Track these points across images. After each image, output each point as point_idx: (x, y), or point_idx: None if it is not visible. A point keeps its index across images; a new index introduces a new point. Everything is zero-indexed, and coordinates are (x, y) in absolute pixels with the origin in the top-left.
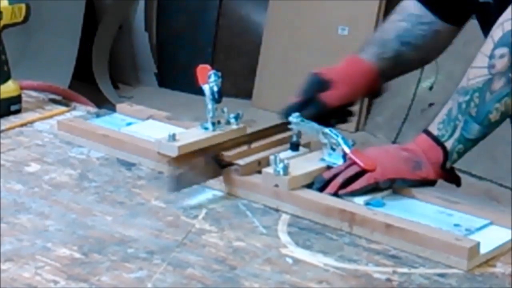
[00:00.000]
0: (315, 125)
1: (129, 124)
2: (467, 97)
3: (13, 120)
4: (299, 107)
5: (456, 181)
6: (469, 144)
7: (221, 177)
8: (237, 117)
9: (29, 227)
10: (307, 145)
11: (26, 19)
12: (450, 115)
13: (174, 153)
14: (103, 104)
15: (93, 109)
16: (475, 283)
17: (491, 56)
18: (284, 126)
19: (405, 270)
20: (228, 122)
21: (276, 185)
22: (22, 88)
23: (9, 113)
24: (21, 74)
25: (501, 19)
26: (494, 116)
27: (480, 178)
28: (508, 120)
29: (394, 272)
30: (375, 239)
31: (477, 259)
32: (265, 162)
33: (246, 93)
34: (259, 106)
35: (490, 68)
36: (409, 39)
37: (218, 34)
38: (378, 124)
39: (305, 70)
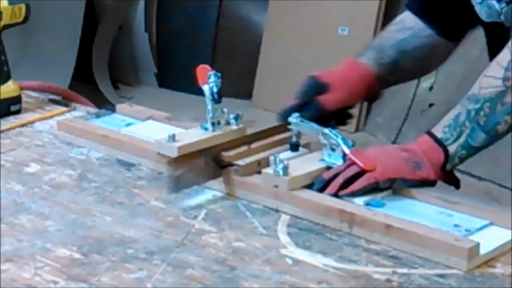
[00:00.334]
0: (314, 126)
1: (128, 124)
2: (478, 105)
3: (13, 120)
4: (297, 110)
5: (456, 183)
6: (472, 151)
7: (221, 178)
8: (237, 118)
9: (29, 228)
10: (307, 146)
11: (26, 19)
12: (458, 120)
13: (174, 154)
14: (103, 104)
15: (93, 109)
16: (475, 283)
17: (507, 68)
18: (283, 127)
19: (404, 270)
20: (228, 123)
21: (276, 186)
22: (22, 88)
23: (9, 113)
24: (21, 74)
25: None
26: (502, 128)
27: (480, 178)
28: None
29: (394, 273)
30: (375, 239)
31: (477, 260)
32: (265, 163)
33: (246, 93)
34: (259, 106)
35: (504, 80)
36: (406, 49)
37: (218, 34)
38: (378, 124)
39: (305, 70)
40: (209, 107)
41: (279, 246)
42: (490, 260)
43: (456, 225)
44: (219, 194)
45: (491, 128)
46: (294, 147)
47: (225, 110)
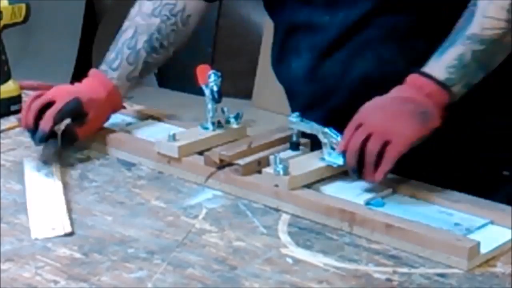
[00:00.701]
0: (314, 125)
1: (129, 124)
2: (483, 47)
3: (13, 120)
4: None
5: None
6: (469, 88)
7: (221, 177)
8: (237, 117)
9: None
10: (307, 145)
11: (26, 19)
12: (462, 60)
13: (174, 153)
14: None
15: None
16: (475, 283)
17: (509, 10)
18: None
19: (405, 270)
20: (228, 122)
21: (276, 185)
22: (22, 88)
23: (9, 113)
24: (21, 74)
25: None
26: (493, 65)
27: None
28: None
29: (394, 272)
30: (375, 239)
31: (477, 259)
32: (265, 162)
33: (246, 93)
34: (259, 106)
35: (508, 22)
36: (159, 42)
37: (218, 34)
38: None
39: None
40: (209, 106)
41: (280, 246)
42: (491, 259)
43: (456, 224)
44: (219, 193)
45: (488, 67)
46: (295, 146)
47: (225, 109)
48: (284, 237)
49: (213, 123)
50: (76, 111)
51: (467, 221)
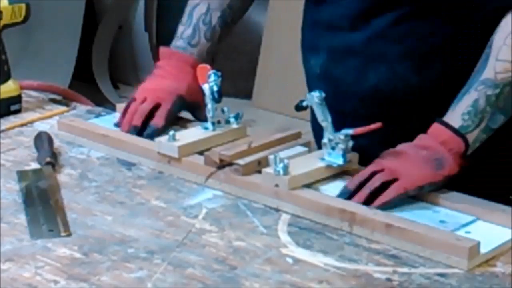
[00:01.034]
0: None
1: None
2: (497, 91)
3: (13, 120)
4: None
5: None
6: (491, 132)
7: (221, 177)
8: (237, 117)
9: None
10: (307, 145)
11: (26, 19)
12: (477, 106)
13: (174, 153)
14: (103, 104)
15: (93, 109)
16: (475, 282)
17: None
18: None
19: (405, 270)
20: (228, 122)
21: (276, 185)
22: (22, 88)
23: (9, 113)
24: (21, 74)
25: None
26: None
27: None
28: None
29: (394, 272)
30: (375, 239)
31: (477, 259)
32: (265, 162)
33: (246, 93)
34: (259, 106)
35: None
36: (231, 17)
37: None
38: None
39: None
40: (209, 106)
41: (280, 245)
42: (491, 259)
43: (442, 221)
44: (219, 193)
45: (508, 109)
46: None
47: (225, 109)
48: (284, 237)
49: (213, 123)
50: (182, 108)
51: (453, 218)
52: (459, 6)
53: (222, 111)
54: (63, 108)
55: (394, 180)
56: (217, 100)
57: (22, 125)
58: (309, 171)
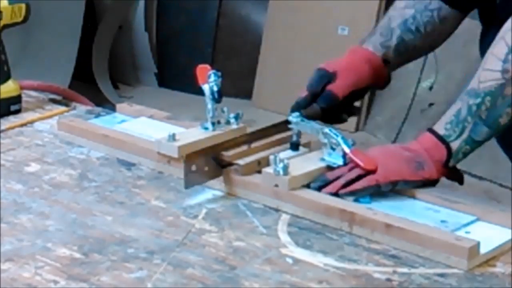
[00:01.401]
0: (315, 125)
1: (122, 121)
2: (478, 100)
3: (13, 120)
4: (308, 101)
5: (459, 179)
6: (475, 145)
7: (221, 177)
8: (237, 117)
9: (29, 227)
10: (307, 145)
11: (26, 19)
12: (459, 116)
13: (174, 153)
14: (103, 104)
15: (93, 109)
16: (475, 283)
17: (505, 60)
18: (284, 126)
19: (405, 270)
20: (228, 122)
21: (276, 185)
22: (22, 88)
23: (9, 113)
24: (21, 74)
25: None
26: (503, 120)
27: (480, 178)
28: None
29: (394, 272)
30: (375, 239)
31: (477, 259)
32: (265, 162)
33: (246, 93)
34: (259, 106)
35: (503, 73)
36: (415, 26)
37: (218, 34)
38: (378, 124)
39: (305, 70)
40: (209, 106)
41: (280, 246)
42: (491, 259)
43: (443, 221)
44: (219, 193)
45: (493, 122)
46: (295, 146)
47: (225, 109)
48: (284, 237)
49: (213, 123)
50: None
51: (453, 218)
52: None
53: (222, 111)
54: (63, 108)
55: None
56: (217, 100)
57: (22, 125)
58: (309, 171)
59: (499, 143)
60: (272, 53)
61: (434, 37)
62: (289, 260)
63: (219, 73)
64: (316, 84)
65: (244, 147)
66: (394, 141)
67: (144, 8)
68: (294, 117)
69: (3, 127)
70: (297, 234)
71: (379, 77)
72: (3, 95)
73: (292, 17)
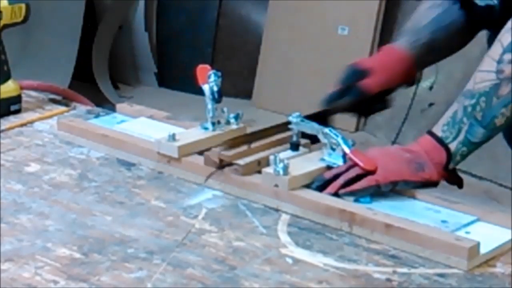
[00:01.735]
0: (315, 125)
1: (121, 121)
2: (473, 101)
3: (13, 120)
4: (340, 95)
5: (458, 183)
6: (472, 147)
7: (221, 177)
8: (237, 117)
9: (29, 227)
10: (307, 145)
11: (26, 19)
12: (455, 117)
13: (174, 153)
14: (103, 104)
15: (93, 109)
16: (475, 283)
17: (499, 61)
18: (284, 127)
19: (405, 270)
20: (228, 122)
21: (276, 185)
22: (22, 88)
23: (9, 113)
24: (21, 74)
25: (509, 23)
26: (499, 121)
27: (480, 178)
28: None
29: (394, 272)
30: (375, 239)
31: (477, 259)
32: (265, 162)
33: (246, 93)
34: (259, 106)
35: (498, 73)
36: (440, 25)
37: (218, 34)
38: (378, 124)
39: (305, 70)
40: (209, 106)
41: (279, 246)
42: (490, 259)
43: (443, 221)
44: (219, 193)
45: (489, 122)
46: (294, 146)
47: (225, 109)
48: (284, 237)
49: (213, 123)
50: None
51: (454, 218)
52: None
53: (222, 111)
54: (63, 108)
55: (371, 174)
56: (217, 100)
57: (22, 125)
58: (309, 171)
59: (505, 137)
60: (272, 53)
61: (458, 39)
62: (289, 260)
63: (219, 73)
64: (348, 79)
65: (244, 147)
66: (394, 141)
67: (144, 8)
68: (294, 117)
69: (3, 127)
70: (297, 234)
71: (409, 76)
72: (3, 95)
73: (292, 17)
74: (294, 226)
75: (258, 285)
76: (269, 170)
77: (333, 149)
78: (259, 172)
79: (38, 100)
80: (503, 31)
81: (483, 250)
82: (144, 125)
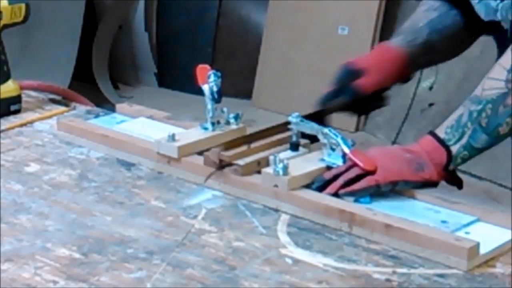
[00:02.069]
0: (314, 125)
1: (121, 121)
2: (480, 107)
3: (13, 120)
4: (334, 95)
5: (458, 184)
6: (474, 152)
7: (221, 177)
8: (237, 117)
9: (29, 227)
10: (306, 145)
11: (26, 19)
12: (460, 121)
13: (173, 154)
14: (103, 104)
15: (93, 109)
16: (475, 283)
17: (510, 70)
18: (283, 127)
19: (404, 270)
20: (228, 122)
21: (276, 185)
22: (22, 88)
23: (9, 113)
24: (21, 74)
25: None
26: (503, 129)
27: (480, 178)
28: None
29: (394, 273)
30: (375, 239)
31: (477, 260)
32: (264, 162)
33: (246, 93)
34: (259, 106)
35: (507, 82)
36: (438, 27)
37: (218, 34)
38: (378, 124)
39: (305, 70)
40: (209, 106)
41: (279, 246)
42: (490, 260)
43: (443, 221)
44: (219, 193)
45: (493, 130)
46: (294, 146)
47: (225, 109)
48: (284, 237)
49: (212, 123)
50: None
51: (454, 218)
52: None
53: (222, 111)
54: (63, 108)
55: (370, 174)
56: (216, 100)
57: (22, 125)
58: (309, 171)
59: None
60: (272, 53)
61: (456, 42)
62: (289, 261)
63: (219, 73)
64: (342, 79)
65: (244, 147)
66: (394, 141)
67: (144, 8)
68: (293, 118)
69: (3, 127)
70: (297, 234)
71: (404, 74)
72: (3, 95)
73: (292, 17)
74: (294, 226)
75: (258, 285)
76: (268, 170)
77: (333, 149)
78: (259, 172)
79: (38, 100)
80: None
81: (483, 250)
82: (144, 125)
